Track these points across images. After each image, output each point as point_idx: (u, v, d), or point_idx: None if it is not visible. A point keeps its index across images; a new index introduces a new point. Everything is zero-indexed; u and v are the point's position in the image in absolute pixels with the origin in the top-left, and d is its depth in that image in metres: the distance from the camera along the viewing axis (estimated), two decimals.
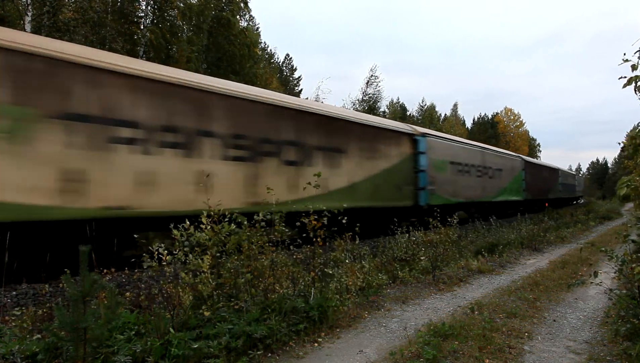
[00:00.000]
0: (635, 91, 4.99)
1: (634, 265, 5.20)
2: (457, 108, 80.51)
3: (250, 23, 39.50)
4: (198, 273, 5.52)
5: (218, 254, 5.72)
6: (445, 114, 78.34)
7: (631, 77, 4.97)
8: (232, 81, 29.40)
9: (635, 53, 4.93)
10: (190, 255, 5.48)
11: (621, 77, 5.04)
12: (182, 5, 27.98)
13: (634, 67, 4.92)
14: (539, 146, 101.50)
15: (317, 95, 69.24)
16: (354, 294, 7.12)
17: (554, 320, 6.54)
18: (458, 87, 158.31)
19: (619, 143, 5.47)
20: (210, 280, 5.49)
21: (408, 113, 66.54)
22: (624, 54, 4.96)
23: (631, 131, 5.26)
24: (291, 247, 6.59)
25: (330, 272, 6.76)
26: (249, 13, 37.39)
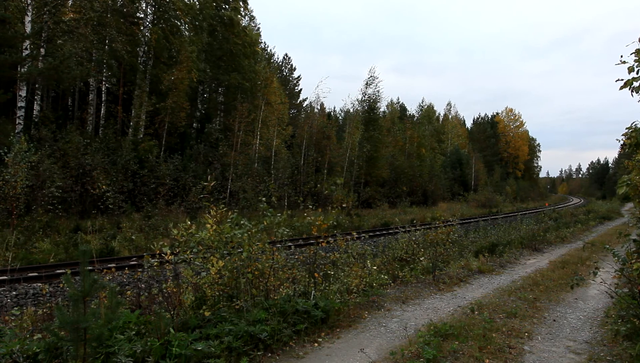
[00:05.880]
0: (631, 93, 5.01)
1: (633, 261, 5.20)
2: (451, 108, 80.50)
3: (251, 23, 39.54)
4: (205, 274, 5.52)
5: (222, 254, 5.72)
6: (446, 114, 78.36)
7: (627, 80, 4.99)
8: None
9: (630, 55, 4.94)
10: (198, 256, 5.49)
11: (618, 80, 5.06)
12: (181, 3, 27.97)
13: (630, 70, 4.93)
14: (539, 146, 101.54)
15: (317, 95, 69.28)
16: (355, 294, 7.12)
17: (554, 320, 6.54)
18: (472, 87, 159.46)
19: (618, 140, 5.44)
20: (218, 282, 5.49)
21: (407, 113, 66.57)
22: (621, 56, 4.97)
23: (628, 128, 5.23)
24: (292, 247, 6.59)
25: (332, 273, 6.77)
26: (249, 13, 37.45)
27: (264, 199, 6.22)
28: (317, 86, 79.49)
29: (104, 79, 25.16)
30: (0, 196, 14.81)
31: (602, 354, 5.11)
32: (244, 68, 30.95)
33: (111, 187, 19.96)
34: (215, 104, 32.41)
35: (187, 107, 26.68)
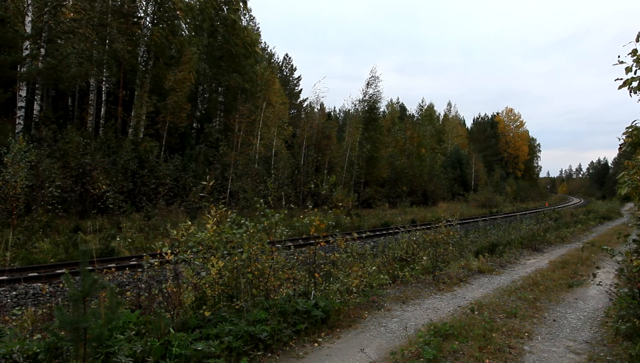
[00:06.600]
0: (630, 93, 5.02)
1: (633, 258, 5.20)
2: (451, 108, 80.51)
3: (250, 23, 39.56)
4: (205, 274, 5.52)
5: (222, 254, 5.72)
6: (446, 114, 78.36)
7: (626, 80, 5.00)
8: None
9: (628, 55, 4.95)
10: (198, 256, 5.49)
11: (617, 79, 5.08)
12: (182, 3, 27.98)
13: (628, 70, 4.95)
14: (539, 146, 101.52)
15: (317, 94, 69.25)
16: (355, 294, 7.12)
17: (554, 320, 6.54)
18: (472, 87, 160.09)
19: (618, 138, 5.45)
20: (218, 282, 5.49)
21: (407, 113, 66.60)
22: (618, 56, 4.98)
23: (628, 128, 5.23)
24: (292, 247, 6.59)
25: (333, 270, 6.77)
26: (248, 13, 37.46)
27: (262, 200, 6.23)
28: (315, 85, 79.20)
29: (104, 79, 25.19)
30: (0, 196, 14.81)
31: (602, 354, 5.11)
32: (244, 69, 30.96)
33: (111, 187, 19.97)
34: (215, 104, 32.42)
35: (187, 107, 26.69)
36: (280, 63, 53.81)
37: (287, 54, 61.95)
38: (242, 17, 33.27)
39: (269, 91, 33.03)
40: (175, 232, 5.68)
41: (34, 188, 16.76)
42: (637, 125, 5.12)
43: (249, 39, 32.20)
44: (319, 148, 34.72)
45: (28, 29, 19.55)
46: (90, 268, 4.19)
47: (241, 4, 32.43)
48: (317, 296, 6.07)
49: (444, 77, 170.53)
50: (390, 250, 11.03)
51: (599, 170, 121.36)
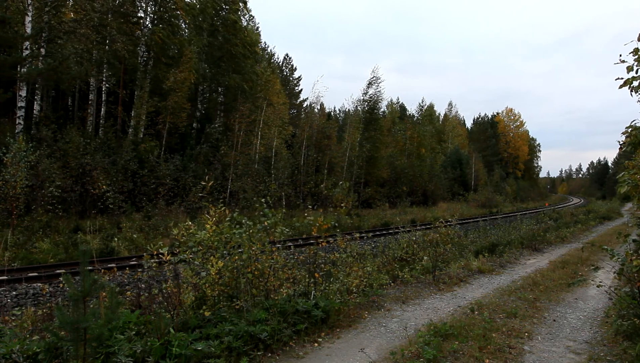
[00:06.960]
0: (630, 92, 5.03)
1: (633, 258, 5.20)
2: (452, 108, 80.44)
3: (250, 23, 39.58)
4: (205, 274, 5.52)
5: (222, 254, 5.72)
6: (446, 114, 78.34)
7: (627, 79, 5.01)
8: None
9: (629, 54, 4.96)
10: (198, 256, 5.49)
11: (618, 78, 5.09)
12: (183, 3, 27.97)
13: (629, 69, 4.95)
14: (539, 146, 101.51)
15: (317, 94, 69.20)
16: (355, 294, 7.12)
17: (554, 320, 6.54)
18: (473, 87, 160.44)
19: (619, 141, 5.46)
20: (218, 282, 5.49)
21: (407, 113, 66.58)
22: (620, 55, 4.99)
23: (627, 128, 5.23)
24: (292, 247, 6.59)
25: (333, 270, 6.76)
26: (248, 13, 37.47)
27: (262, 200, 6.23)
28: (314, 85, 78.81)
29: (104, 79, 25.22)
30: (0, 196, 14.81)
31: (602, 354, 5.11)
32: (244, 69, 30.94)
33: (111, 187, 19.96)
34: (215, 104, 32.41)
35: (187, 108, 26.70)
36: (280, 63, 53.83)
37: (287, 54, 62.01)
38: (242, 17, 33.29)
39: (270, 91, 33.04)
40: (175, 231, 5.68)
41: (34, 188, 16.76)
42: (637, 125, 5.12)
43: (249, 39, 32.19)
44: (319, 148, 34.73)
45: (28, 29, 19.55)
46: (90, 268, 4.19)
47: (241, 4, 32.43)
48: (317, 296, 6.07)
49: (444, 77, 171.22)
50: (390, 250, 11.03)
51: (599, 170, 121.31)
